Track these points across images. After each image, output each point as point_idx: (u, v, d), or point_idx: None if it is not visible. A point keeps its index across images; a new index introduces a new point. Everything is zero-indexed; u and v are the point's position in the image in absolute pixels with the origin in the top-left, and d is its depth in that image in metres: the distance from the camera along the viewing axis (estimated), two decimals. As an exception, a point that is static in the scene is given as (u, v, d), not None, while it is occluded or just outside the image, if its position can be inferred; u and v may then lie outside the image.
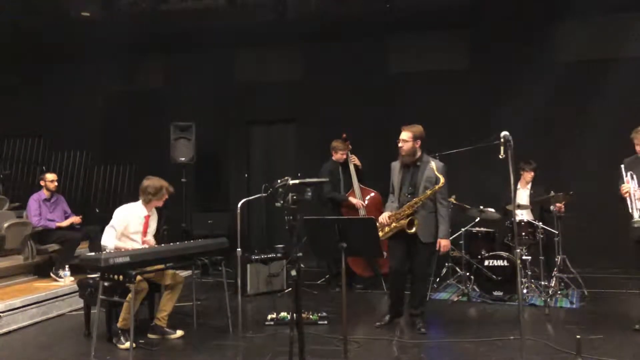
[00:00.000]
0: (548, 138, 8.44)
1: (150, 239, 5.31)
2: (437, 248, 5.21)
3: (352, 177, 7.20)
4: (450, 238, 6.74)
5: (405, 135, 5.16)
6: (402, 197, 5.22)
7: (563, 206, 6.61)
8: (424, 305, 5.37)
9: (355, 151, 7.40)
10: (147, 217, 5.28)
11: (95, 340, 4.62)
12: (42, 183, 7.31)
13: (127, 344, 4.70)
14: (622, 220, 5.10)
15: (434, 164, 5.10)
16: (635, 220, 4.86)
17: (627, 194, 4.94)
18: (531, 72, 8.46)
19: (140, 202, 5.27)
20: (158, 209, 5.49)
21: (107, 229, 5.08)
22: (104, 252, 4.76)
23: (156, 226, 5.46)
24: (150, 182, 5.24)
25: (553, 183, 6.91)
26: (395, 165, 5.36)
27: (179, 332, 5.22)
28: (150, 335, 5.16)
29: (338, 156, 7.23)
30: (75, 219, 7.35)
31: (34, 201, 7.16)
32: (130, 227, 5.16)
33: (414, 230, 5.06)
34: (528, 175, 7.11)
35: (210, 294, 7.01)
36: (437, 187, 5.03)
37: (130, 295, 4.68)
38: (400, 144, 5.21)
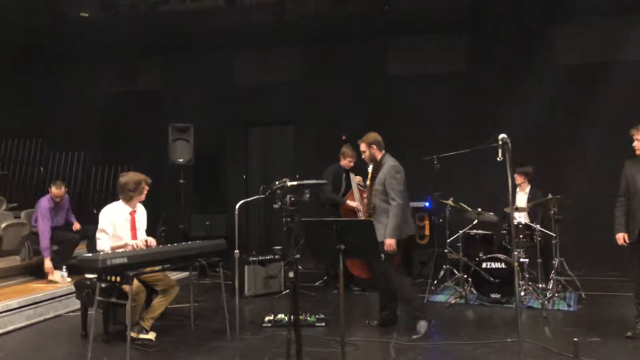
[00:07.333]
0: (547, 140, 8.44)
1: (144, 238, 5.23)
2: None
3: (351, 182, 7.19)
4: (449, 240, 6.81)
5: (361, 146, 5.48)
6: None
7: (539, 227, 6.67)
8: (414, 308, 5.30)
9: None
10: (133, 214, 5.24)
11: (92, 341, 4.60)
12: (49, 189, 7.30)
13: (150, 335, 4.97)
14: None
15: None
16: None
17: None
18: (530, 74, 8.46)
19: (121, 201, 5.22)
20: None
21: (98, 234, 5.06)
22: (102, 253, 4.74)
23: (146, 221, 5.40)
24: (127, 178, 5.18)
25: (552, 185, 6.89)
26: None
27: (152, 334, 5.07)
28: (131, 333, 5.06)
29: (345, 162, 7.17)
30: (76, 226, 7.44)
31: (46, 202, 7.07)
32: (118, 227, 5.12)
33: None
34: (519, 179, 7.03)
35: (208, 295, 7.00)
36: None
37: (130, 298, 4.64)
38: (362, 156, 5.53)
